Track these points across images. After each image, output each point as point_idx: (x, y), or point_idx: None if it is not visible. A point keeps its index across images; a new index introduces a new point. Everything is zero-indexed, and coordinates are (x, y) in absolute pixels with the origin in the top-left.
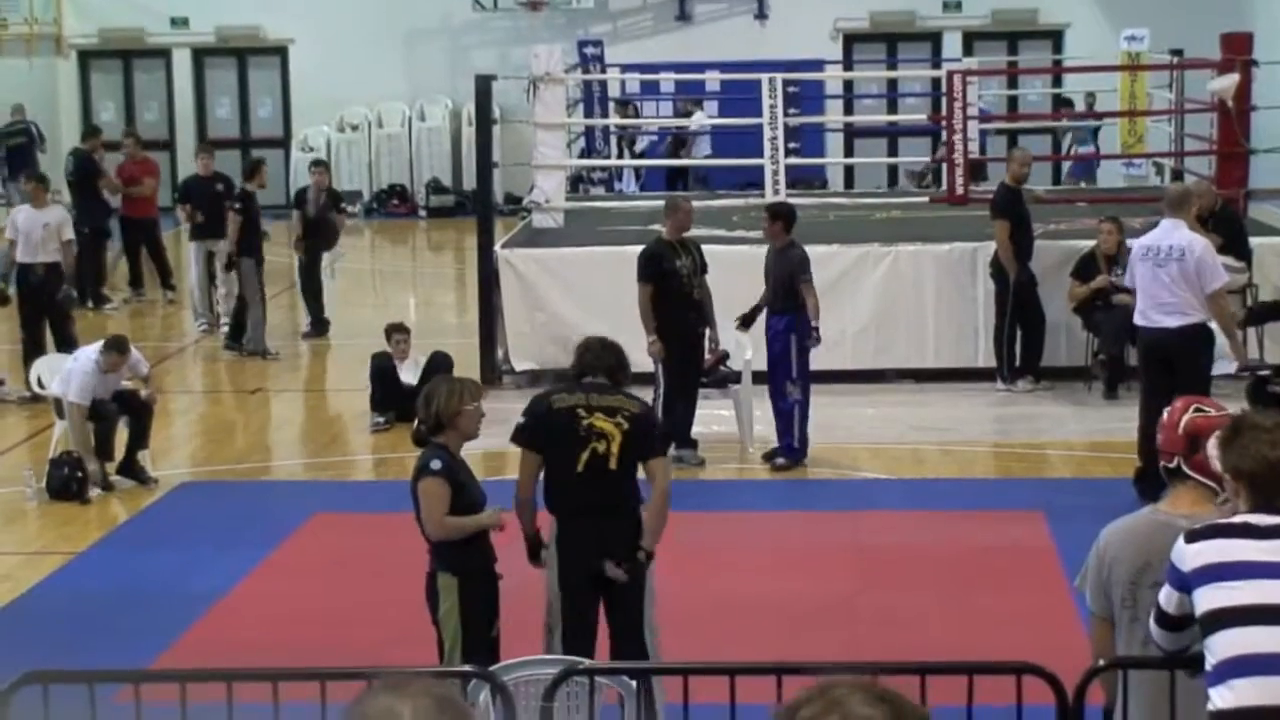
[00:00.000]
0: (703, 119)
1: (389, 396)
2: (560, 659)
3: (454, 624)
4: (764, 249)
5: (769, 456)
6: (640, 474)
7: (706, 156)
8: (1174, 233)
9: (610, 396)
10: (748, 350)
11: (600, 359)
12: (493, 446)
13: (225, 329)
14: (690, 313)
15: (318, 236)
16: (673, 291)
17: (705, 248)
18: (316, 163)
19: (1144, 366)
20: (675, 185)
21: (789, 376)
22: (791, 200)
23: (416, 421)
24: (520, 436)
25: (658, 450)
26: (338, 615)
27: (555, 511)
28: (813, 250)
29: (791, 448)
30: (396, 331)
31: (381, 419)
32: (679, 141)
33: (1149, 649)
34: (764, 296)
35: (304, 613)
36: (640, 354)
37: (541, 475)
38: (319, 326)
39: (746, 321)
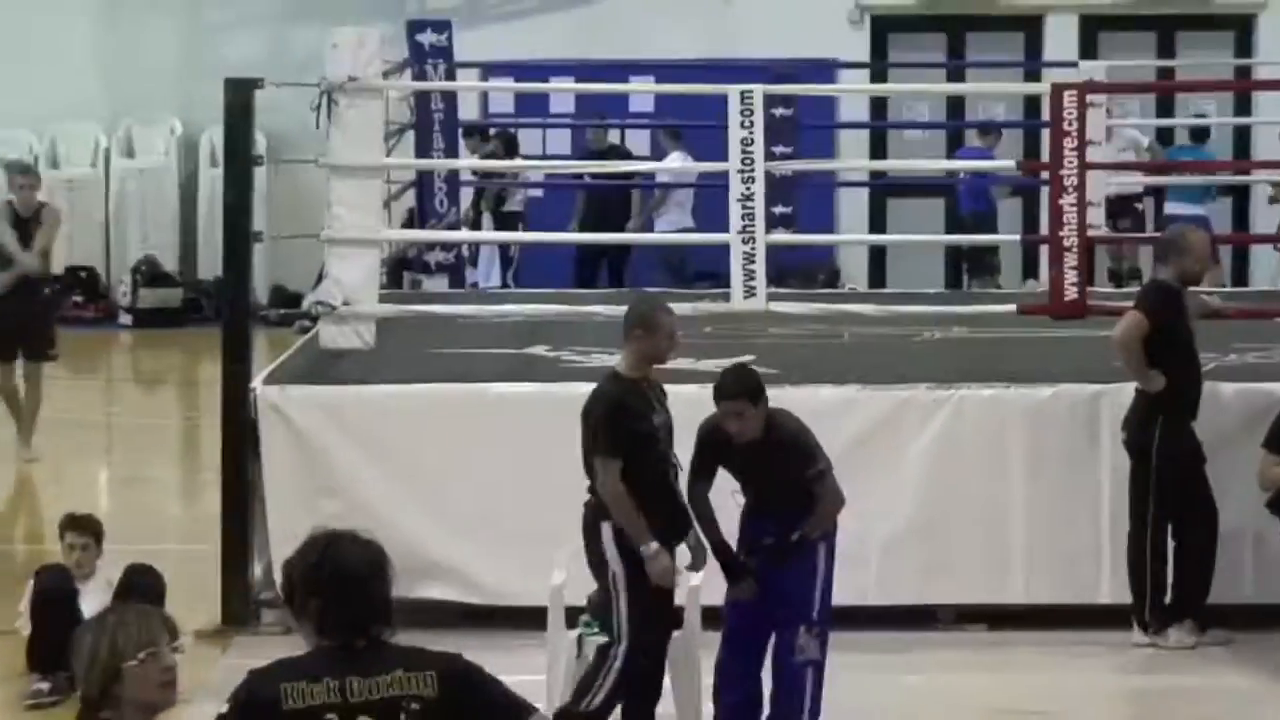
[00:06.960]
0: (677, 161)
1: (60, 644)
2: None
3: None
4: None
5: None
6: None
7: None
8: None
9: (386, 672)
10: (687, 573)
11: (369, 584)
12: None
13: None
14: (678, 514)
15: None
16: (646, 472)
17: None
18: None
19: None
20: (587, 277)
21: (807, 619)
22: (778, 307)
23: (80, 701)
24: None
25: None
26: None
27: None
28: (812, 395)
29: None
30: (75, 531)
31: (45, 684)
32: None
33: None
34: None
35: None
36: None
37: None
38: None
39: (735, 570)
